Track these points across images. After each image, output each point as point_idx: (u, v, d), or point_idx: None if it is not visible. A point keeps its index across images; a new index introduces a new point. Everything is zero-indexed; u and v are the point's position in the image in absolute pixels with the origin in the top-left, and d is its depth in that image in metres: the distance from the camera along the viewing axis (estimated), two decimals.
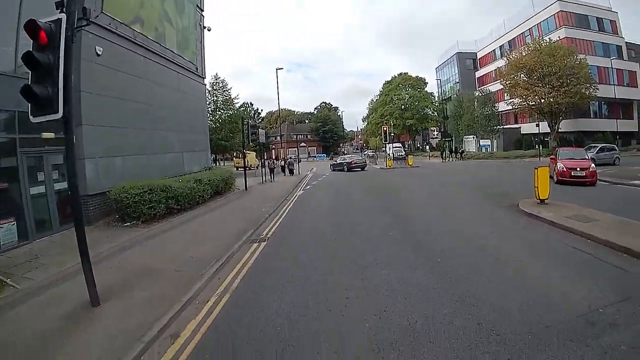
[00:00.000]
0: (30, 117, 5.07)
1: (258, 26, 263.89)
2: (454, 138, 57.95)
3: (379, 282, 6.04)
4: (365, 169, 36.01)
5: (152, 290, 6.04)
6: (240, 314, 5.19)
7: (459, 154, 47.13)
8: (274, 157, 49.62)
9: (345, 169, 35.15)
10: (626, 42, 50.86)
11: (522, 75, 41.05)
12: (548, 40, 41.21)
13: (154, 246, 8.93)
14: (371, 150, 72.01)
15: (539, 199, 11.14)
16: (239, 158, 35.49)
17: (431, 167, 34.85)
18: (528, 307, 4.87)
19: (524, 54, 41.37)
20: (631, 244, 6.80)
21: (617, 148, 27.89)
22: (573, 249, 7.21)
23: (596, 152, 26.02)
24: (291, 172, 33.48)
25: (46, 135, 9.63)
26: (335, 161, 41.69)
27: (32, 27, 4.78)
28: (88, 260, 5.45)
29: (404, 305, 5.15)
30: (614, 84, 45.99)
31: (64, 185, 10.39)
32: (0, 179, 8.99)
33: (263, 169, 27.59)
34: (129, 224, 10.98)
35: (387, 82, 75.46)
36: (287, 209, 14.06)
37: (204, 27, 22.46)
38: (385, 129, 43.20)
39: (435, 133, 74.55)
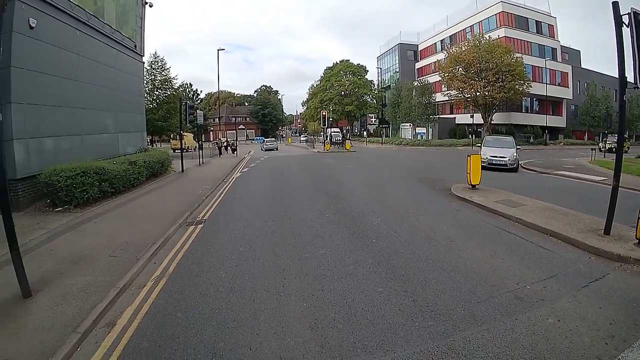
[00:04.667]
0: None
1: (196, 4, 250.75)
2: (391, 125, 60.43)
3: (316, 262, 6.38)
4: (277, 150, 47.01)
5: (87, 278, 5.97)
6: (177, 299, 5.26)
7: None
8: (221, 139, 49.33)
9: (264, 149, 47.66)
10: (561, 45, 56.08)
11: (460, 69, 43.77)
12: (488, 37, 43.97)
13: (87, 231, 8.76)
14: (304, 136, 73.32)
15: (471, 185, 12.14)
16: (176, 140, 34.67)
17: (368, 152, 36.45)
18: (460, 283, 5.37)
19: (464, 49, 44.02)
20: (556, 227, 7.77)
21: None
22: (502, 230, 8.07)
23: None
24: (233, 151, 39.43)
25: None
26: (264, 144, 51.13)
27: None
28: (17, 248, 5.29)
29: (341, 284, 5.46)
30: (546, 83, 50.61)
31: None
32: None
33: (200, 151, 27.27)
34: (61, 208, 10.63)
35: (329, 68, 76.22)
36: (225, 191, 14.31)
37: (146, 3, 21.43)
38: (324, 113, 44.56)
39: (374, 120, 77.31)
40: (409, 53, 70.03)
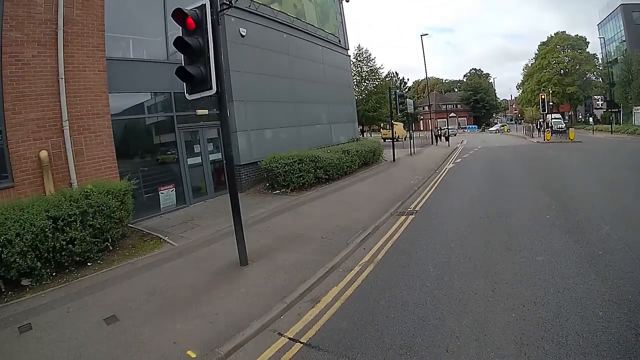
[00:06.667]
0: (187, 95, 5.74)
1: None
2: (622, 109, 47.07)
3: (531, 270, 5.38)
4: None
5: (298, 255, 6.38)
6: (382, 286, 5.20)
7: None
8: (437, 127, 48.34)
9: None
10: None
11: None
12: None
13: (301, 213, 9.44)
14: (526, 122, 64.09)
15: None
16: (386, 129, 35.29)
17: (596, 143, 28.24)
18: None
19: None
20: None
21: None
22: None
23: None
24: (447, 139, 36.57)
25: (200, 112, 11.01)
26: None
27: (179, 15, 5.34)
28: (240, 222, 5.96)
29: (557, 299, 4.51)
30: None
31: (217, 156, 11.77)
32: (161, 151, 10.60)
33: (411, 141, 26.89)
34: (278, 192, 11.89)
35: (543, 44, 64.19)
36: (437, 183, 13.55)
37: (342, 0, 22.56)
38: (543, 97, 37.38)
39: (600, 103, 61.84)
40: (635, 15, 53.35)
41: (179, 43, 5.44)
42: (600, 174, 13.23)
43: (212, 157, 11.77)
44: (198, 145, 11.44)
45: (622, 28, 55.71)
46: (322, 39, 19.05)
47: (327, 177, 13.38)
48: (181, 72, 5.47)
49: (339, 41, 21.26)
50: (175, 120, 10.69)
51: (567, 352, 3.54)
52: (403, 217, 8.74)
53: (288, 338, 4.13)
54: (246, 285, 5.32)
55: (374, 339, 3.94)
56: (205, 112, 11.06)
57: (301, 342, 4.03)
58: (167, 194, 10.31)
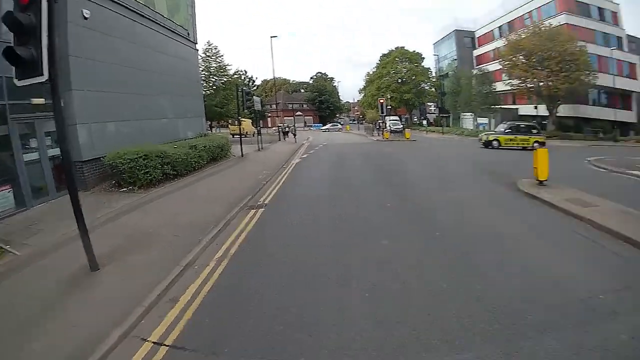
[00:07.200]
0: (15, 81, 5.04)
1: None
2: (451, 115, 58.19)
3: (377, 252, 6.16)
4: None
5: (151, 255, 6.14)
6: (239, 280, 5.32)
7: None
8: (284, 125, 50.07)
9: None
10: (627, 35, 50.89)
11: (520, 57, 41.16)
12: (548, 24, 41.04)
13: (150, 211, 9.02)
14: (367, 122, 72.72)
15: (538, 180, 11.13)
16: (235, 125, 35.29)
17: (428, 142, 35.15)
18: (529, 286, 4.94)
19: (523, 37, 41.40)
20: (631, 232, 6.72)
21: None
22: (573, 231, 7.25)
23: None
24: (294, 136, 37.88)
25: (36, 101, 9.43)
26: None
27: None
28: (84, 225, 5.48)
29: (404, 277, 5.20)
30: (613, 74, 46.05)
31: (58, 151, 10.18)
32: None
33: (259, 137, 27.40)
34: (125, 189, 11.04)
35: (384, 55, 74.25)
36: (285, 176, 14.25)
37: None
38: (382, 101, 43.06)
39: (433, 108, 74.65)
40: (465, 40, 66.58)
41: (9, 19, 4.78)
42: (432, 167, 16.83)
43: (51, 152, 10.19)
44: (35, 139, 9.84)
45: (454, 49, 68.18)
46: (171, 30, 18.19)
47: (175, 172, 12.86)
48: (9, 54, 4.75)
49: (188, 34, 20.52)
50: (7, 110, 8.98)
51: (418, 323, 4.11)
52: (253, 211, 9.04)
53: (153, 342, 4.01)
54: (101, 291, 4.96)
55: (236, 332, 4.07)
56: (42, 101, 9.36)
57: (166, 345, 3.96)
58: (2, 196, 8.69)
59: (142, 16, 15.26)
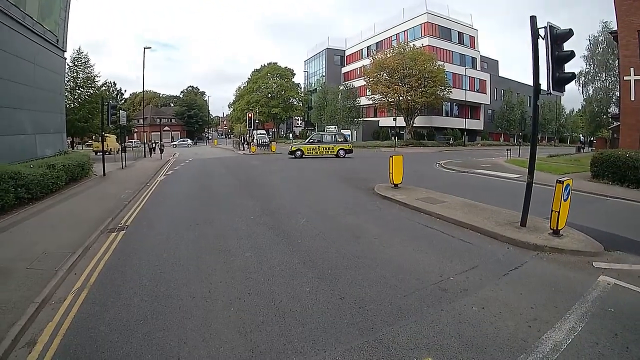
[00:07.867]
0: None
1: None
2: (316, 127, 62.19)
3: (241, 265, 6.33)
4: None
5: (2, 294, 5.33)
6: (100, 311, 4.91)
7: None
8: (153, 140, 48.20)
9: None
10: (481, 55, 61.89)
11: (384, 74, 46.21)
12: (412, 46, 46.97)
13: (1, 242, 7.97)
14: (235, 136, 74.07)
15: (393, 184, 12.74)
16: (98, 142, 33.07)
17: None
18: (386, 279, 5.54)
19: (389, 56, 46.45)
20: (475, 221, 8.35)
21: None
22: (424, 226, 8.53)
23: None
24: (161, 151, 38.38)
25: None
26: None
27: None
28: None
29: (268, 287, 5.40)
30: (466, 89, 55.26)
31: None
32: None
33: (123, 154, 25.88)
34: None
35: (256, 70, 76.75)
36: (148, 195, 13.89)
37: None
38: (250, 115, 44.62)
39: (299, 122, 78.69)
40: (335, 58, 72.47)
41: None
42: (295, 177, 18.16)
43: None
44: None
45: (324, 65, 72.26)
46: (39, 35, 16.31)
47: (30, 196, 11.55)
48: None
49: (57, 41, 18.51)
50: None
51: (287, 328, 4.29)
52: (114, 234, 8.61)
53: None
54: None
55: None
56: None
57: None
58: None
59: (9, 17, 13.53)
